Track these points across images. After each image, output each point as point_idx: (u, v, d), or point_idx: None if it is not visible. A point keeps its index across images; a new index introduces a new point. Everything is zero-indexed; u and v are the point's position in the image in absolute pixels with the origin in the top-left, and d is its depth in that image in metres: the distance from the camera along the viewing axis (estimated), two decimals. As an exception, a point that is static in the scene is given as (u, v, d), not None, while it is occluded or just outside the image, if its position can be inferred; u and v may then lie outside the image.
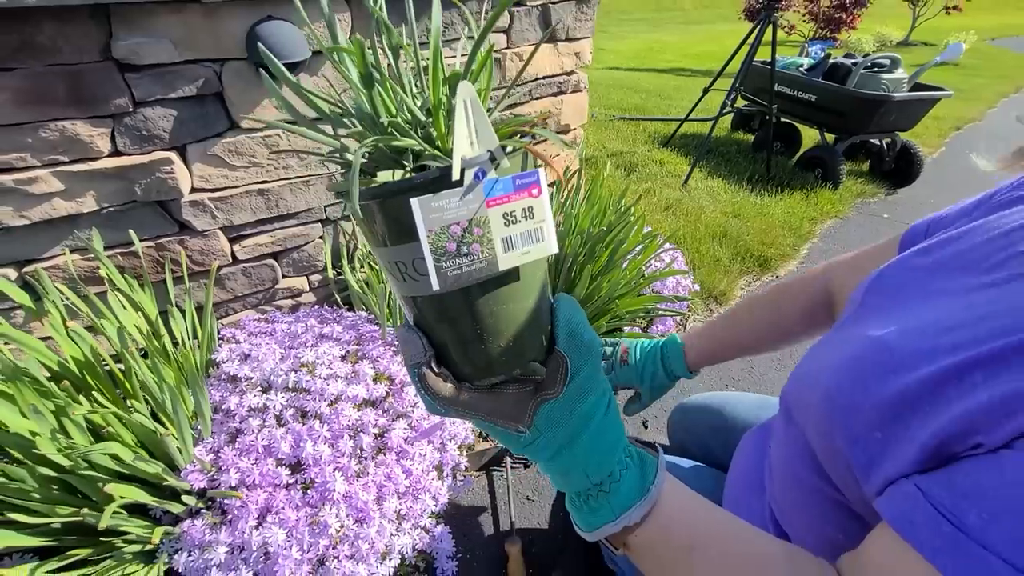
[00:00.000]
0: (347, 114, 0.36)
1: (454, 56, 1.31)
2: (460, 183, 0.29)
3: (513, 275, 0.33)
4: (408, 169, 0.32)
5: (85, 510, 0.73)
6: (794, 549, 0.43)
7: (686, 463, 0.93)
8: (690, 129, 3.77)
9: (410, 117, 0.33)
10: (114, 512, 0.82)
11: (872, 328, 0.46)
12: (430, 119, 0.33)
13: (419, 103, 0.34)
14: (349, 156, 0.34)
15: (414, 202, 0.28)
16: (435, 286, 0.30)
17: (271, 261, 1.26)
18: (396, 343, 1.14)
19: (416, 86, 0.35)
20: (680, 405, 1.15)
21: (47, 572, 0.77)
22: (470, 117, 0.29)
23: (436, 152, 0.32)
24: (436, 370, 0.36)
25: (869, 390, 0.41)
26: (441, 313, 0.33)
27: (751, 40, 2.84)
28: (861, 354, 0.45)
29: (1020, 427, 0.32)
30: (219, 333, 1.20)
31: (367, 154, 0.33)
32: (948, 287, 0.45)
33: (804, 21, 8.67)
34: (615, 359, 0.80)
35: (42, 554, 0.85)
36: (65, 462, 0.79)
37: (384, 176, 0.33)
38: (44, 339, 0.96)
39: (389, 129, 0.32)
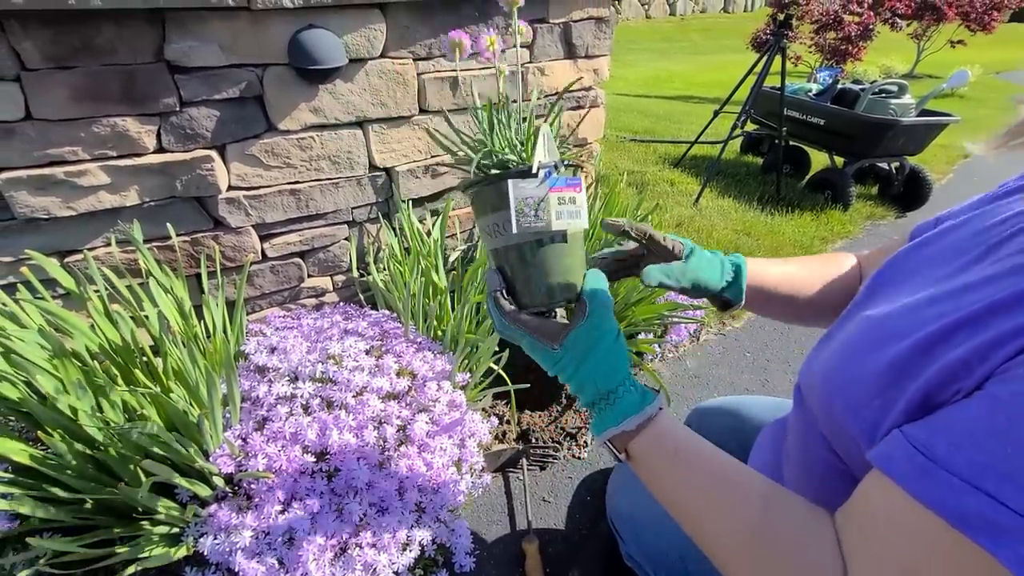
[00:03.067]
0: (479, 144, 0.57)
1: (480, 67, 1.37)
2: (535, 176, 0.49)
3: (559, 237, 0.52)
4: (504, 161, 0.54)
5: (122, 485, 0.75)
6: (781, 489, 0.48)
7: None
8: (700, 151, 3.83)
9: (512, 145, 0.55)
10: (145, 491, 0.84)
11: (870, 311, 0.50)
12: (522, 147, 0.55)
13: (517, 134, 0.57)
14: (474, 164, 0.55)
15: (510, 182, 0.49)
16: (514, 230, 0.50)
17: (298, 260, 1.30)
18: (419, 341, 1.17)
19: (515, 122, 0.58)
20: (696, 409, 1.16)
21: (78, 547, 0.78)
22: (545, 141, 0.50)
23: (524, 163, 0.52)
24: (505, 297, 0.54)
25: (865, 363, 0.45)
26: (514, 258, 0.53)
27: (760, 67, 2.92)
28: (857, 333, 0.49)
29: (990, 370, 0.36)
30: (247, 328, 1.23)
31: (485, 164, 0.55)
32: (941, 272, 0.48)
33: (810, 52, 8.85)
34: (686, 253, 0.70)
35: (70, 532, 0.86)
36: (101, 439, 0.82)
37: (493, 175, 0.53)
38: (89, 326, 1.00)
39: (500, 151, 0.55)
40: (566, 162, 0.52)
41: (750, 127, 3.63)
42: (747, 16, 20.04)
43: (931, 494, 0.35)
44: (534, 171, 0.50)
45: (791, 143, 3.43)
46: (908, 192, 3.16)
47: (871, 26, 7.82)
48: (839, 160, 3.19)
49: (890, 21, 8.55)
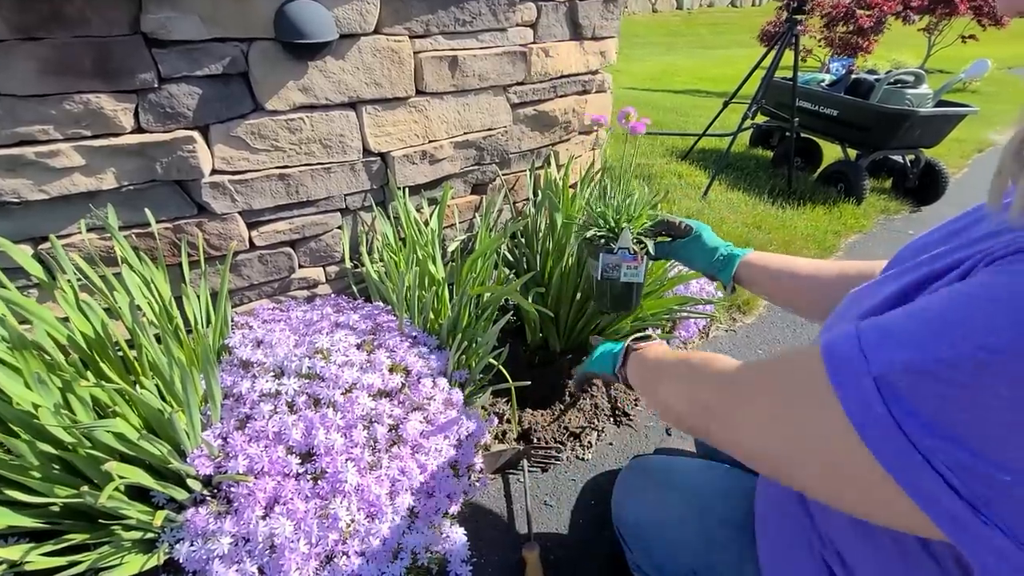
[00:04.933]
0: (600, 215, 1.02)
1: (481, 47, 1.30)
2: (615, 254, 0.96)
3: (622, 284, 0.99)
4: (604, 237, 0.99)
5: (85, 488, 0.69)
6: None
7: (719, 466, 0.88)
8: (708, 144, 3.75)
9: (610, 224, 1.00)
10: (115, 495, 0.78)
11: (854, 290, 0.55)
12: (616, 228, 0.99)
13: (613, 214, 1.01)
14: (590, 232, 1.02)
15: (601, 254, 0.97)
16: (598, 278, 0.99)
17: (288, 249, 1.23)
18: (414, 335, 1.10)
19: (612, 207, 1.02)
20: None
21: (40, 554, 0.72)
22: (625, 235, 0.95)
23: (614, 235, 0.98)
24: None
25: (843, 320, 0.50)
26: (600, 287, 1.01)
27: (771, 57, 2.83)
28: (838, 309, 0.54)
29: (934, 284, 0.40)
30: (232, 320, 1.17)
31: (598, 234, 1.00)
32: (919, 256, 0.49)
33: (820, 46, 8.71)
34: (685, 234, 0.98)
35: (38, 537, 0.80)
36: (67, 438, 0.76)
37: (592, 230, 1.01)
38: (62, 319, 0.94)
39: (603, 225, 1.01)
40: (634, 248, 0.95)
41: (760, 119, 3.54)
42: (755, 10, 19.82)
43: (829, 337, 0.39)
44: (615, 251, 0.96)
45: (802, 135, 3.34)
46: (923, 185, 3.07)
47: (884, 19, 7.68)
48: (852, 152, 3.10)
49: (903, 15, 8.39)
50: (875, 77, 2.91)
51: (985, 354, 0.30)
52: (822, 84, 3.20)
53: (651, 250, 0.97)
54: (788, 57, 2.77)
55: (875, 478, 0.34)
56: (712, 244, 0.94)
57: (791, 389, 0.42)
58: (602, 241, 0.98)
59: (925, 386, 0.32)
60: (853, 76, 3.02)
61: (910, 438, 0.32)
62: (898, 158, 3.20)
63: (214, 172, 1.08)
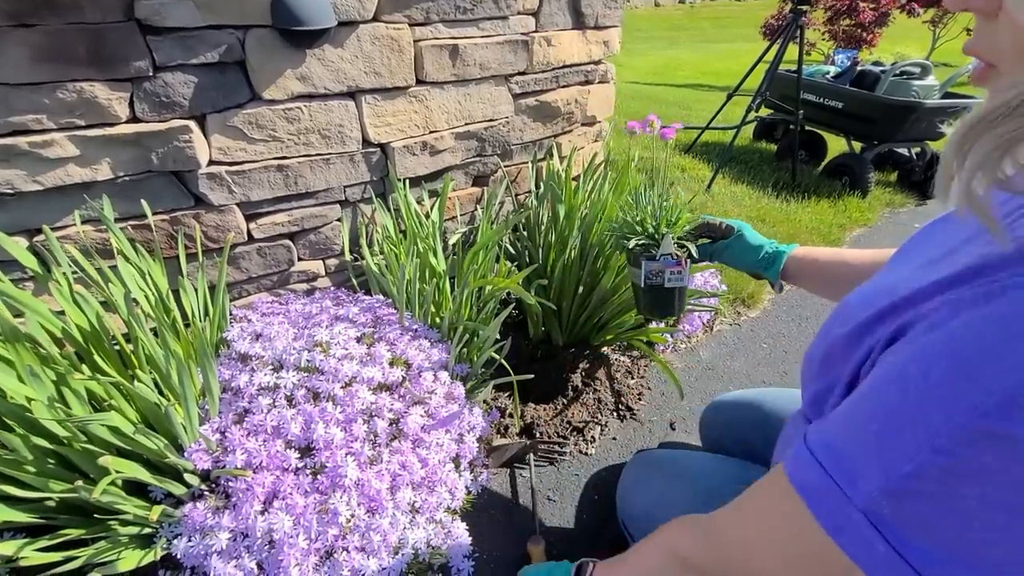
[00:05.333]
0: (630, 227, 1.01)
1: (482, 35, 1.28)
2: (657, 260, 0.94)
3: (667, 289, 0.96)
4: (645, 244, 0.97)
5: (79, 482, 0.67)
6: None
7: (730, 460, 0.86)
8: (711, 138, 3.71)
9: (649, 231, 0.97)
10: (111, 489, 0.76)
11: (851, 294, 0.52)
12: (656, 234, 0.96)
13: (652, 221, 0.97)
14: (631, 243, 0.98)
15: (643, 260, 0.95)
16: (642, 285, 0.97)
17: (287, 242, 1.22)
18: (415, 328, 1.09)
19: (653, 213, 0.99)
20: (714, 403, 1.08)
21: (35, 550, 0.71)
22: (667, 241, 0.93)
23: (655, 242, 0.95)
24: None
25: (818, 346, 0.49)
26: (643, 292, 0.99)
27: (775, 50, 2.79)
28: (831, 315, 0.51)
29: (870, 360, 0.39)
30: (231, 314, 1.15)
31: (639, 243, 0.97)
32: (914, 260, 0.48)
33: (824, 39, 8.64)
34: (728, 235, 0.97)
35: (34, 532, 0.79)
36: (62, 432, 0.74)
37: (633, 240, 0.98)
38: (58, 313, 0.92)
39: (642, 232, 0.98)
40: (676, 252, 0.94)
41: (764, 112, 3.51)
42: (758, 4, 19.67)
43: (794, 468, 0.39)
44: (657, 257, 0.94)
45: (807, 128, 3.30)
46: (929, 178, 3.04)
47: (888, 12, 7.62)
48: (857, 145, 3.07)
49: (907, 7, 8.32)
50: (881, 69, 2.88)
51: (942, 458, 0.29)
52: (827, 76, 3.17)
53: (694, 253, 0.95)
54: (792, 51, 2.74)
55: None
56: (756, 242, 0.92)
57: (767, 517, 0.42)
58: (643, 248, 0.96)
59: (905, 507, 0.31)
60: (858, 68, 2.99)
61: (912, 565, 0.31)
62: (903, 151, 3.17)
63: (211, 163, 1.06)
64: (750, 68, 3.00)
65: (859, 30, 8.03)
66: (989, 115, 0.30)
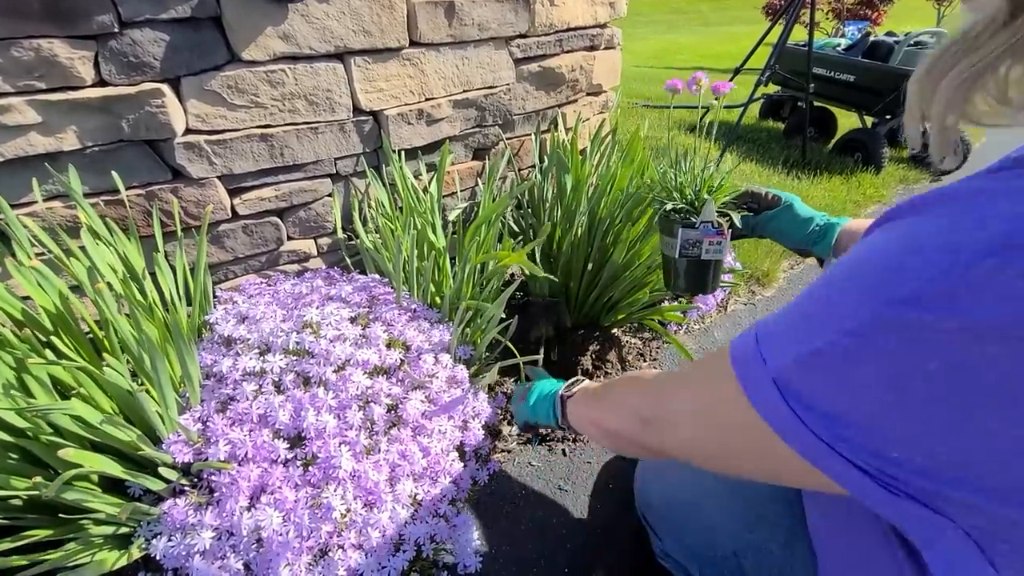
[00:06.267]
0: (667, 192, 0.94)
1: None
2: (696, 228, 0.86)
3: (700, 263, 0.90)
4: (683, 211, 0.89)
5: (38, 479, 0.60)
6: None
7: None
8: (717, 116, 3.61)
9: (689, 197, 0.90)
10: (79, 485, 0.69)
11: None
12: (697, 201, 0.89)
13: (692, 185, 0.91)
14: (669, 205, 0.92)
15: (680, 228, 0.88)
16: (677, 256, 0.90)
17: (275, 219, 1.13)
18: (413, 308, 1.01)
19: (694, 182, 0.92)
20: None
21: (-7, 554, 0.63)
22: (708, 207, 0.85)
23: (694, 209, 0.88)
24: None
25: None
26: (676, 265, 0.93)
27: (780, 27, 2.68)
28: None
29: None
30: (215, 296, 1.07)
31: (677, 207, 0.90)
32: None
33: (828, 19, 8.48)
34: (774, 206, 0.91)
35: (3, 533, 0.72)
36: (21, 423, 0.67)
37: (671, 204, 0.92)
38: (24, 299, 0.84)
39: (679, 199, 0.91)
40: (718, 221, 0.85)
41: (772, 89, 3.40)
42: (758, -14, 19.33)
43: (736, 341, 0.42)
44: (697, 225, 0.85)
45: (816, 104, 3.19)
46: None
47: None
48: (869, 120, 2.96)
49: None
50: (894, 39, 2.77)
51: (848, 339, 0.31)
52: (838, 49, 3.05)
53: (737, 223, 0.87)
54: (798, 31, 2.63)
55: (797, 463, 0.35)
56: (806, 214, 0.85)
57: (705, 386, 0.46)
58: (681, 216, 0.88)
59: (812, 378, 0.34)
60: (870, 39, 2.88)
61: (812, 430, 0.34)
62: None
63: (188, 131, 0.98)
64: (753, 47, 2.89)
65: (864, 8, 7.87)
66: (949, 51, 0.31)
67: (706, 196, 0.87)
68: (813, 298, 0.36)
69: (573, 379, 0.81)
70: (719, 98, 0.96)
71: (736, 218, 0.87)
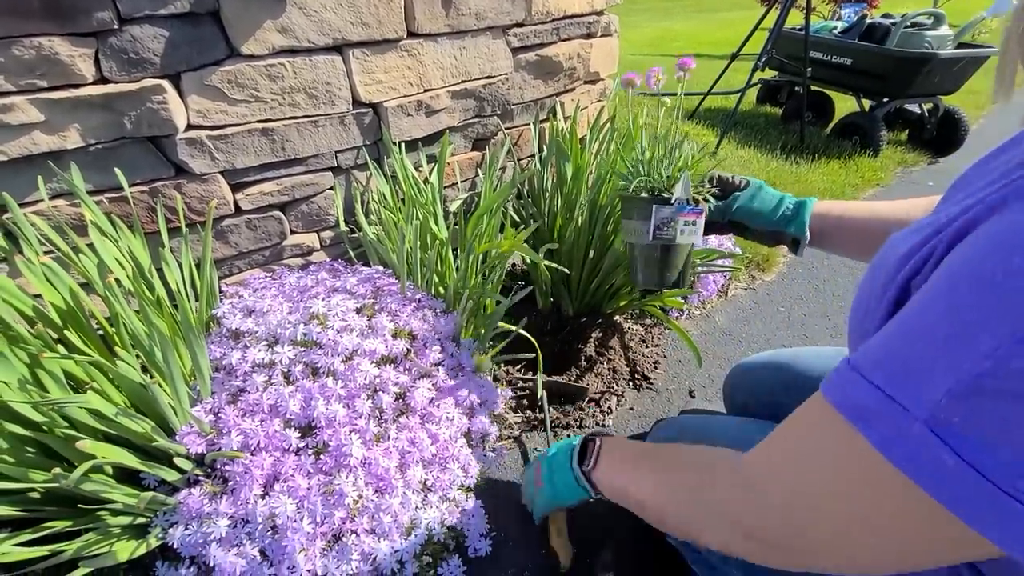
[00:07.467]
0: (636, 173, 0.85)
1: None
2: (671, 205, 0.77)
3: (674, 247, 0.80)
4: (652, 188, 0.81)
5: (57, 470, 0.61)
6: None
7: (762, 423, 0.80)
8: (714, 104, 3.60)
9: (658, 176, 0.82)
10: (95, 477, 0.70)
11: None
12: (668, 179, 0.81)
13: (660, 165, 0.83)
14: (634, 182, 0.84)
15: (654, 206, 0.78)
16: (650, 239, 0.79)
17: (278, 213, 1.14)
18: (418, 298, 1.02)
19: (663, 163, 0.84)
20: (740, 365, 1.01)
21: (16, 544, 0.65)
22: (684, 182, 0.76)
23: (665, 191, 0.79)
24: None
25: (872, 280, 0.43)
26: (646, 253, 0.82)
27: (776, 11, 2.67)
28: (879, 251, 0.46)
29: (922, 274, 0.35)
30: (221, 291, 1.08)
31: (639, 187, 0.82)
32: (961, 193, 0.44)
33: (824, 1, 8.40)
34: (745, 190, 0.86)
35: (20, 526, 0.73)
36: (37, 417, 0.68)
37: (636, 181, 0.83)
38: (35, 296, 0.85)
39: (647, 183, 0.82)
40: (694, 198, 0.78)
41: (769, 74, 3.39)
42: (753, -29, 19.16)
43: (836, 393, 0.35)
44: (672, 201, 0.76)
45: (813, 88, 3.19)
46: (942, 136, 2.94)
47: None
48: (867, 103, 2.96)
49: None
50: (891, 21, 2.76)
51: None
52: (834, 32, 3.04)
53: (712, 202, 0.81)
54: (794, 15, 2.62)
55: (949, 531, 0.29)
56: (777, 193, 0.83)
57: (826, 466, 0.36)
58: (650, 195, 0.78)
59: (981, 409, 0.26)
60: (867, 22, 2.87)
61: (988, 477, 0.26)
62: (914, 108, 3.06)
63: (189, 127, 0.98)
64: (750, 32, 2.88)
65: (860, -10, 7.79)
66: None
67: (681, 171, 0.79)
68: (945, 318, 0.29)
69: (580, 438, 0.71)
70: (685, 72, 0.92)
71: (711, 201, 0.81)
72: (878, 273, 0.43)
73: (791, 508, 0.38)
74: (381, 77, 1.13)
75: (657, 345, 1.44)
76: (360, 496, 0.77)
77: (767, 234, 0.83)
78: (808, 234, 0.78)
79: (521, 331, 1.02)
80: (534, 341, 0.99)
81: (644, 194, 0.80)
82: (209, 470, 0.81)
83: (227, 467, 0.78)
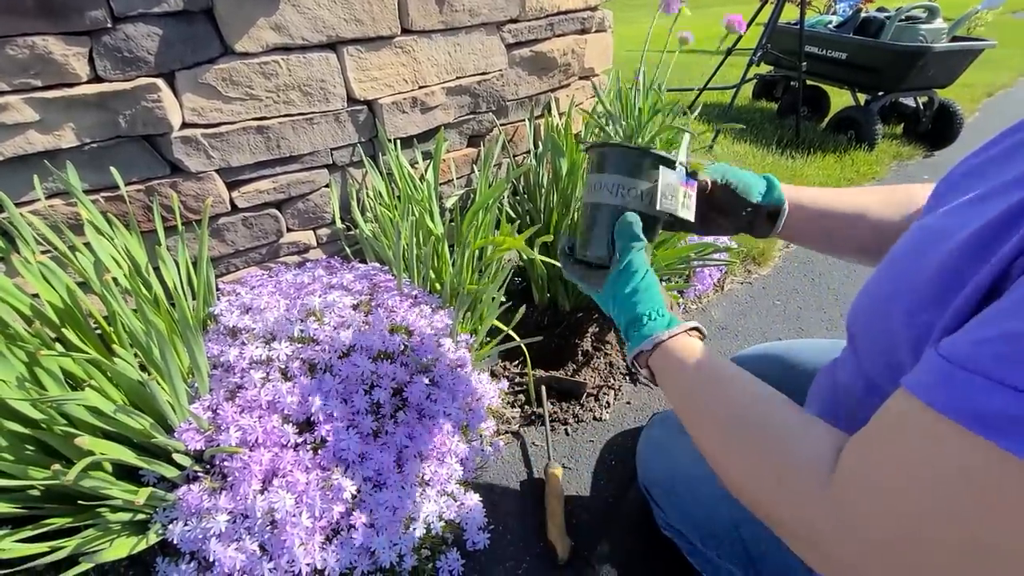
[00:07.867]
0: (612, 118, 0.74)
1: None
2: (675, 170, 0.62)
3: (677, 221, 0.65)
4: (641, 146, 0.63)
5: (56, 467, 0.62)
6: (779, 395, 0.48)
7: None
8: (709, 99, 3.60)
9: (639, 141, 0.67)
10: (95, 474, 0.71)
11: (924, 221, 0.47)
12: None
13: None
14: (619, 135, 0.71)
15: (662, 168, 0.61)
16: (658, 207, 0.61)
17: (274, 211, 1.14)
18: (414, 294, 1.02)
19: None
20: (734, 358, 1.02)
21: (16, 541, 0.65)
22: (686, 144, 0.64)
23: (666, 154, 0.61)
24: (568, 253, 0.70)
25: (912, 272, 0.40)
26: (600, 219, 0.63)
27: (772, 6, 2.67)
28: (907, 243, 0.46)
29: None
30: (218, 289, 1.09)
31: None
32: (992, 171, 0.44)
33: (819, -3, 8.39)
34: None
35: (20, 523, 0.74)
36: (36, 415, 0.68)
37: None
38: (33, 296, 0.85)
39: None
40: (693, 165, 0.66)
41: (764, 69, 3.39)
42: (749, -34, 19.13)
43: (945, 397, 0.30)
44: (675, 166, 0.62)
45: (809, 83, 3.19)
46: (936, 129, 2.94)
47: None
48: (862, 97, 2.96)
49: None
50: (885, 15, 2.76)
51: None
52: (829, 26, 3.04)
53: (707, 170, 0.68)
54: (789, 10, 2.63)
55: None
56: (746, 170, 0.75)
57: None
58: (651, 154, 0.61)
59: None
60: (862, 15, 2.87)
61: None
62: (909, 101, 3.07)
63: (184, 125, 0.98)
64: (748, 22, 2.87)
65: (855, -15, 7.80)
66: None
67: (684, 130, 0.67)
68: None
69: (678, 324, 0.56)
70: (729, 31, 0.89)
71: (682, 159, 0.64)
72: (925, 262, 0.39)
73: (894, 548, 0.32)
74: (375, 74, 1.13)
75: (654, 339, 1.44)
76: (358, 490, 0.78)
77: (748, 208, 0.68)
78: (785, 203, 0.68)
79: (510, 332, 1.02)
80: (518, 339, 0.99)
81: (642, 147, 0.62)
82: (208, 466, 0.82)
83: (226, 463, 0.78)
